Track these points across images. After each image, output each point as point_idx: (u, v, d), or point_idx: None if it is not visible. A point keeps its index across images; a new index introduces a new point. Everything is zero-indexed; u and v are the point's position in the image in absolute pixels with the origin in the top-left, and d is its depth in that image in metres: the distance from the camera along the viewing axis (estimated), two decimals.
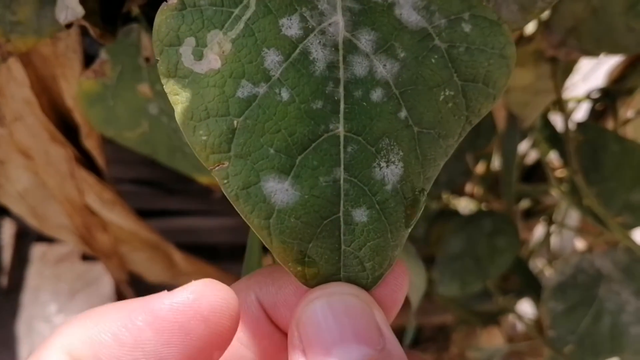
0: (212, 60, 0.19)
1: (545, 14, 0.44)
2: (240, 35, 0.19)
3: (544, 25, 0.43)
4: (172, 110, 0.38)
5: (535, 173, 0.72)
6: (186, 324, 0.18)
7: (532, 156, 0.73)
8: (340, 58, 0.19)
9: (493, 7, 0.27)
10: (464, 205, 0.76)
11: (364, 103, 0.19)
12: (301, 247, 0.19)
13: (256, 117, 0.18)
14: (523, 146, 0.68)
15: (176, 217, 0.74)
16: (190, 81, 0.19)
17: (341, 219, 0.19)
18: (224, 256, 0.75)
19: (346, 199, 0.19)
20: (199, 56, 0.19)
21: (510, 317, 0.82)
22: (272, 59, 0.19)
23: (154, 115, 0.40)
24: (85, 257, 1.02)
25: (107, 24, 0.35)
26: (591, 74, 0.79)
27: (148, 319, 0.18)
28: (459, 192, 0.76)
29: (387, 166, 0.19)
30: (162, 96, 0.38)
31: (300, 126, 0.19)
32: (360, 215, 0.19)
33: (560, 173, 0.64)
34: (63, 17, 0.29)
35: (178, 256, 0.64)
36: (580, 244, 0.73)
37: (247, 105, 0.19)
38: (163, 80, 0.19)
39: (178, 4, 0.19)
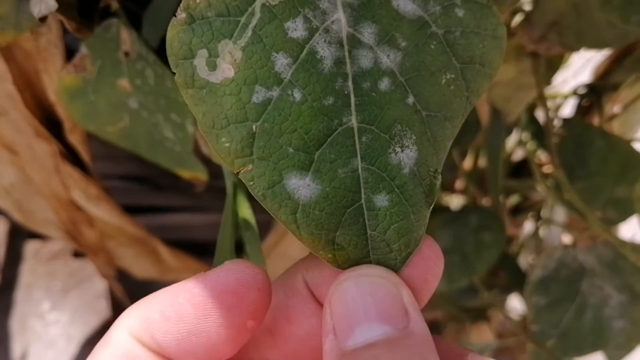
0: (226, 70, 0.19)
1: (528, 8, 0.44)
2: (249, 43, 0.19)
3: (525, 20, 0.43)
4: (152, 104, 0.39)
5: (524, 169, 0.73)
6: (218, 298, 0.20)
7: (520, 152, 0.73)
8: (346, 53, 0.20)
9: None
10: (456, 202, 0.76)
11: (373, 93, 0.20)
12: (329, 236, 0.20)
13: (273, 119, 0.19)
14: (510, 142, 0.68)
15: (165, 213, 0.75)
16: (208, 91, 0.19)
17: (364, 206, 0.20)
18: (214, 252, 0.75)
19: (366, 186, 0.20)
20: (212, 67, 0.19)
21: (500, 313, 0.82)
22: (281, 62, 0.19)
23: (134, 109, 0.40)
24: (78, 254, 1.02)
25: (85, 18, 0.35)
26: (582, 69, 0.79)
27: (187, 296, 0.20)
28: (450, 189, 0.76)
29: (402, 151, 0.20)
30: (141, 91, 0.38)
31: (315, 123, 0.19)
32: (382, 200, 0.20)
33: (547, 169, 0.64)
34: (37, 10, 0.29)
35: (165, 252, 0.64)
36: (567, 239, 0.73)
37: (263, 110, 0.19)
38: (182, 92, 0.20)
39: (187, 18, 0.19)
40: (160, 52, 0.37)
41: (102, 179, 0.59)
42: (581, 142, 0.55)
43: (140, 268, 0.67)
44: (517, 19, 0.47)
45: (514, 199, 0.75)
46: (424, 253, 0.21)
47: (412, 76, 0.20)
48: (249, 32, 0.19)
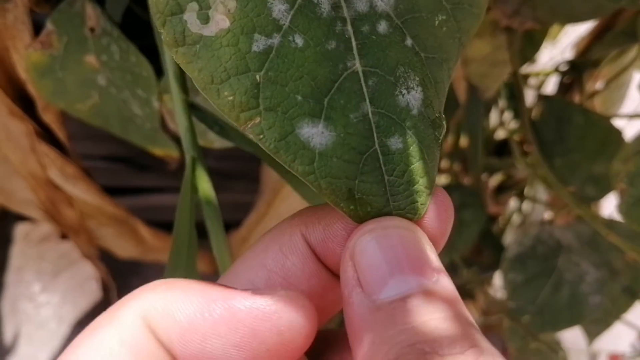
0: (220, 21, 0.18)
1: None
2: None
3: None
4: (119, 80, 0.38)
5: (507, 147, 0.73)
6: (260, 334, 0.18)
7: (503, 131, 0.73)
8: None
9: None
10: (442, 182, 0.76)
11: (373, 36, 0.20)
12: (348, 184, 0.19)
13: (277, 67, 0.19)
14: (492, 121, 0.68)
15: (149, 194, 0.75)
16: (202, 46, 0.18)
17: (378, 151, 0.19)
18: (199, 233, 0.76)
19: (378, 130, 0.19)
20: (205, 19, 0.18)
21: (488, 291, 0.83)
22: (278, 8, 0.19)
23: (102, 86, 0.40)
24: (65, 236, 1.02)
25: None
26: (569, 48, 0.79)
27: (225, 315, 0.18)
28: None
29: (409, 92, 0.20)
30: (108, 66, 0.38)
31: (321, 68, 0.19)
32: (396, 143, 0.20)
33: (528, 146, 0.64)
34: None
35: (145, 231, 0.64)
36: (548, 217, 0.74)
37: (265, 58, 0.18)
38: (171, 52, 0.19)
39: None
40: (123, 26, 0.37)
41: (84, 160, 0.59)
42: (561, 119, 0.55)
43: (121, 248, 0.67)
44: None
45: (497, 178, 0.75)
46: (441, 203, 0.20)
47: (407, 18, 0.20)
48: None
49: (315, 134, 0.19)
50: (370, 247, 0.18)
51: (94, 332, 0.18)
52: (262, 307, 0.18)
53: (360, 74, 0.19)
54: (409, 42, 0.20)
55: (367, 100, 0.19)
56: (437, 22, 0.20)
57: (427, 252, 0.19)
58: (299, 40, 0.19)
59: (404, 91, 0.20)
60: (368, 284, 0.18)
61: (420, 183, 0.20)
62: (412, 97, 0.20)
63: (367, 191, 0.19)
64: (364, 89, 0.19)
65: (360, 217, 0.20)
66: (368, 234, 0.19)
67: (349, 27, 0.19)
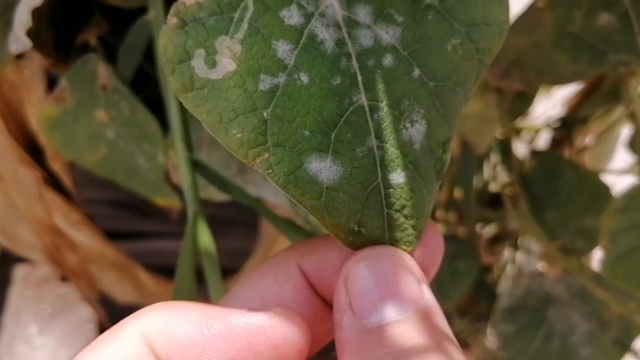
0: (227, 64, 0.19)
1: None
2: (247, 35, 0.19)
3: None
4: (127, 135, 0.40)
5: (501, 199, 0.74)
6: (256, 347, 0.19)
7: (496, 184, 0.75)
8: (345, 35, 0.20)
9: None
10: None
11: (379, 70, 0.20)
12: (352, 218, 0.20)
13: (283, 105, 0.19)
14: (486, 173, 0.70)
15: (151, 239, 0.76)
16: (210, 89, 0.19)
17: (381, 185, 0.20)
18: (198, 277, 0.76)
19: (382, 165, 0.20)
20: (212, 64, 0.19)
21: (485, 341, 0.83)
22: (283, 48, 0.19)
23: (111, 139, 0.42)
24: (65, 279, 1.03)
25: (62, 52, 0.37)
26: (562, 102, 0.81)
27: (222, 330, 0.19)
28: (432, 218, 0.77)
29: (412, 126, 0.20)
30: (117, 122, 0.40)
31: (327, 104, 0.19)
32: (397, 177, 0.20)
33: (519, 200, 0.66)
34: (14, 48, 0.31)
35: (145, 276, 0.65)
36: (542, 268, 0.75)
37: (272, 96, 0.19)
38: (180, 98, 0.19)
39: (178, 22, 0.19)
40: (133, 85, 0.39)
41: (87, 205, 0.60)
42: (552, 174, 0.57)
43: (121, 292, 0.68)
44: None
45: (492, 228, 0.77)
46: (431, 232, 0.21)
47: (415, 48, 0.20)
48: (245, 25, 0.19)
49: (324, 168, 0.19)
50: (363, 273, 0.19)
51: (95, 349, 0.18)
52: (258, 322, 0.19)
53: (366, 108, 0.20)
54: (416, 73, 0.20)
55: (373, 134, 0.20)
56: (450, 47, 0.21)
57: (417, 281, 0.20)
58: (304, 78, 0.19)
59: (408, 125, 0.20)
60: (359, 309, 0.19)
61: (416, 217, 0.20)
62: (416, 131, 0.20)
63: (368, 224, 0.20)
64: (370, 123, 0.20)
65: (357, 247, 0.20)
66: (362, 261, 0.20)
67: (354, 62, 0.20)
